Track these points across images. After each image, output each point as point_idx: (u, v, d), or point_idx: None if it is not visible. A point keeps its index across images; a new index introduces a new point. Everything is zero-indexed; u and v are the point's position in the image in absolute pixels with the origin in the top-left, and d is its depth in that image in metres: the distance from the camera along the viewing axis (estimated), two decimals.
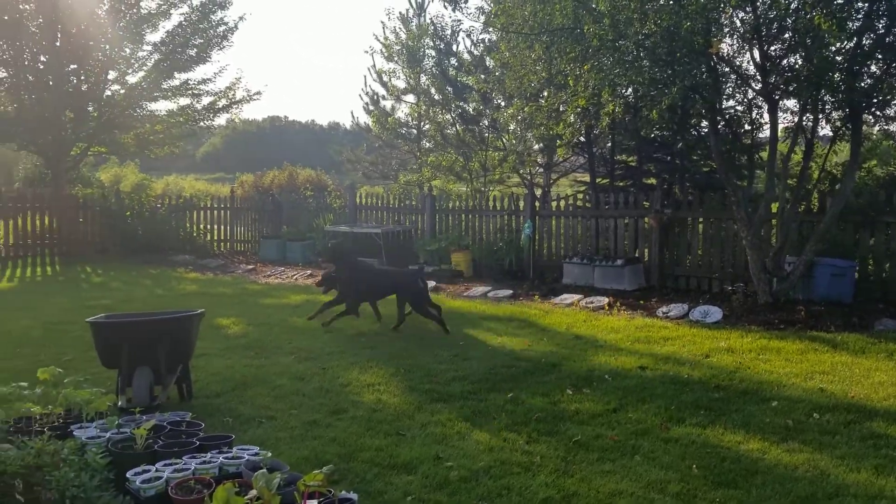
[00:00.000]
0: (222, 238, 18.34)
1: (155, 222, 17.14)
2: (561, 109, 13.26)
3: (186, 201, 18.37)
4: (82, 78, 18.05)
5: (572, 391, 6.32)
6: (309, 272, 14.23)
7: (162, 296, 11.51)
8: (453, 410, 5.77)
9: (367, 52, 29.47)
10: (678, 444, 5.04)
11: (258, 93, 20.08)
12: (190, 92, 19.16)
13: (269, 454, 3.88)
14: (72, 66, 17.75)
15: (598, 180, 16.23)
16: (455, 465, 4.66)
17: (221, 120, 20.66)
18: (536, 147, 18.05)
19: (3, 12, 16.37)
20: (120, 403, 5.40)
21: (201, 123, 19.89)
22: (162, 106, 19.81)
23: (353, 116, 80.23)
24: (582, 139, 15.65)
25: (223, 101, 19.55)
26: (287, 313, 9.92)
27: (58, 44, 17.33)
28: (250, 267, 15.48)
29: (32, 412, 4.30)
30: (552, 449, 4.98)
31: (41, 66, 17.40)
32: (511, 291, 11.66)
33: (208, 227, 18.32)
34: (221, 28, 18.86)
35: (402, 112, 23.18)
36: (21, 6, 16.88)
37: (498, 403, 5.96)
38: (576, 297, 11.01)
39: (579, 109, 11.85)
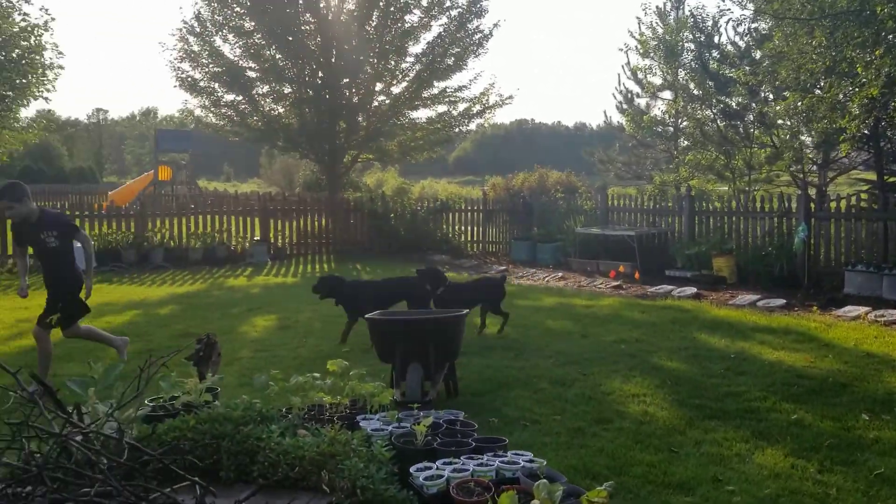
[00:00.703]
0: (475, 239, 18.91)
1: (415, 223, 18.08)
2: (843, 100, 11.93)
3: (442, 204, 19.18)
4: (353, 90, 19.60)
5: (869, 416, 5.58)
6: (560, 274, 14.17)
7: None
8: (729, 429, 5.35)
9: (621, 49, 28.80)
10: None
11: (510, 97, 20.47)
12: (447, 99, 20.03)
13: (545, 462, 3.81)
14: (345, 80, 19.33)
15: (885, 178, 14.41)
16: (737, 489, 4.28)
17: (473, 125, 21.35)
18: (809, 141, 16.48)
19: (289, 33, 18.24)
20: (395, 397, 5.68)
21: (457, 129, 20.73)
22: (422, 114, 20.84)
23: (605, 116, 79.28)
24: (866, 132, 13.98)
25: (477, 107, 20.19)
26: (542, 315, 9.91)
27: (333, 60, 18.97)
28: (502, 268, 15.77)
29: (324, 401, 4.62)
30: (850, 481, 4.41)
31: (319, 81, 19.15)
32: (784, 301, 10.69)
33: (462, 228, 18.98)
34: (477, 36, 19.49)
35: (658, 109, 22.40)
36: (303, 27, 18.71)
37: (780, 425, 5.42)
38: (862, 309, 9.82)
39: (867, 100, 10.58)
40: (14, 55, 13.46)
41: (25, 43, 13.71)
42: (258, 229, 17.57)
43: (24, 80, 13.43)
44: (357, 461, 3.65)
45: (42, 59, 13.99)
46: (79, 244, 6.66)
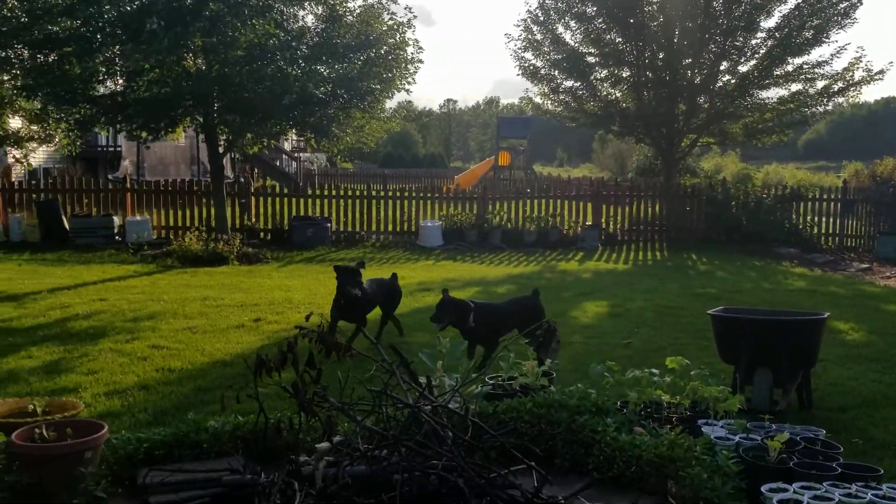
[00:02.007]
0: (829, 232, 16.93)
1: (758, 213, 16.70)
2: None
3: (792, 192, 17.45)
4: (695, 71, 18.62)
5: None
6: None
7: (769, 290, 11.06)
8: None
9: None
10: None
11: (880, 72, 17.85)
12: (803, 77, 18.10)
13: None
14: (686, 61, 18.44)
15: None
16: None
17: (831, 105, 19.00)
18: None
19: (630, 15, 17.88)
20: (740, 405, 5.21)
21: (812, 109, 18.65)
22: (772, 93, 19.07)
23: None
24: None
25: (839, 84, 17.94)
26: None
27: (675, 40, 18.19)
28: (864, 266, 13.88)
29: (661, 399, 4.38)
30: None
31: (659, 63, 18.51)
32: None
33: (814, 219, 17.11)
34: (843, 5, 17.27)
35: None
36: (646, 8, 18.20)
37: None
38: None
39: None
40: (382, 51, 14.97)
41: (392, 40, 15.17)
42: (590, 214, 17.60)
43: (389, 75, 14.90)
44: (700, 470, 3.37)
45: (405, 55, 15.35)
46: None
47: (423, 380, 3.65)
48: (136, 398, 5.57)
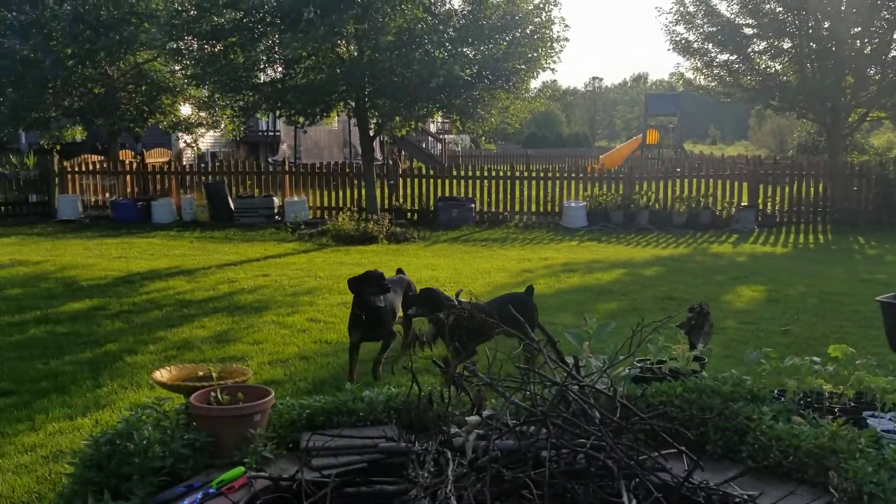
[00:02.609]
0: None
1: None
2: None
3: None
4: (865, 41, 17.24)
5: None
6: None
7: None
8: None
9: None
10: None
11: None
12: None
13: None
14: (855, 30, 17.11)
15: None
16: None
17: None
18: None
19: None
20: None
21: None
22: None
23: None
24: None
25: None
26: None
27: (842, 7, 16.89)
28: None
29: (823, 389, 4.15)
30: None
31: (825, 33, 17.29)
32: None
33: None
34: None
35: None
36: None
37: None
38: None
39: None
40: (528, 31, 14.89)
41: (537, 19, 15.06)
42: (745, 195, 16.75)
43: (535, 54, 14.81)
44: (865, 464, 3.19)
45: (550, 34, 15.19)
46: None
47: (569, 360, 3.67)
48: (296, 367, 5.94)
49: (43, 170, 17.44)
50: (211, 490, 3.19)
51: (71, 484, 3.40)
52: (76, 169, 17.75)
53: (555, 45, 15.19)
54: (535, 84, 19.23)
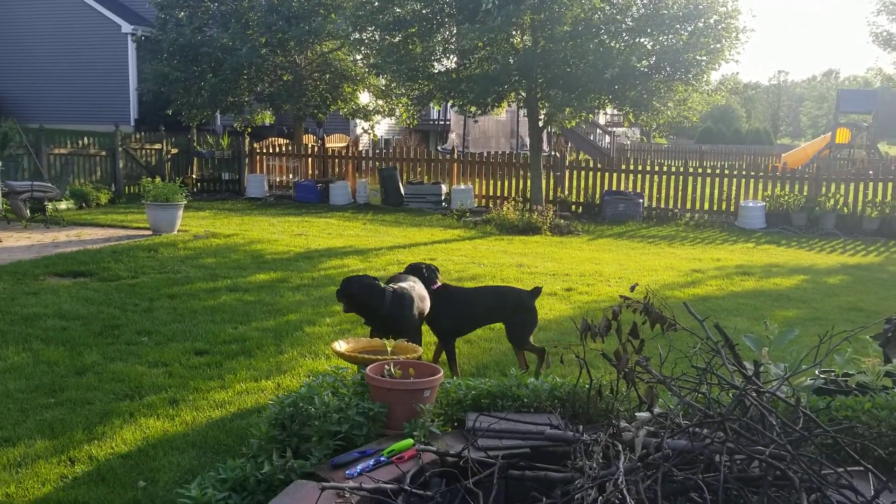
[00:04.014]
0: None
1: None
2: None
3: None
4: None
5: None
6: None
7: None
8: None
9: None
10: None
11: None
12: None
13: None
14: None
15: None
16: None
17: None
18: None
19: None
20: None
21: None
22: None
23: None
24: None
25: None
26: None
27: None
28: None
29: None
30: None
31: None
32: None
33: None
34: None
35: None
36: None
37: None
38: None
39: None
40: (711, 21, 14.26)
41: (723, 8, 14.38)
42: None
43: (718, 45, 14.15)
44: None
45: (736, 23, 14.47)
46: None
47: (747, 364, 3.51)
48: (460, 350, 6.08)
49: (235, 150, 18.86)
50: (382, 458, 3.36)
51: (257, 439, 3.71)
52: (264, 151, 19.05)
53: (740, 35, 14.46)
54: (715, 76, 18.39)
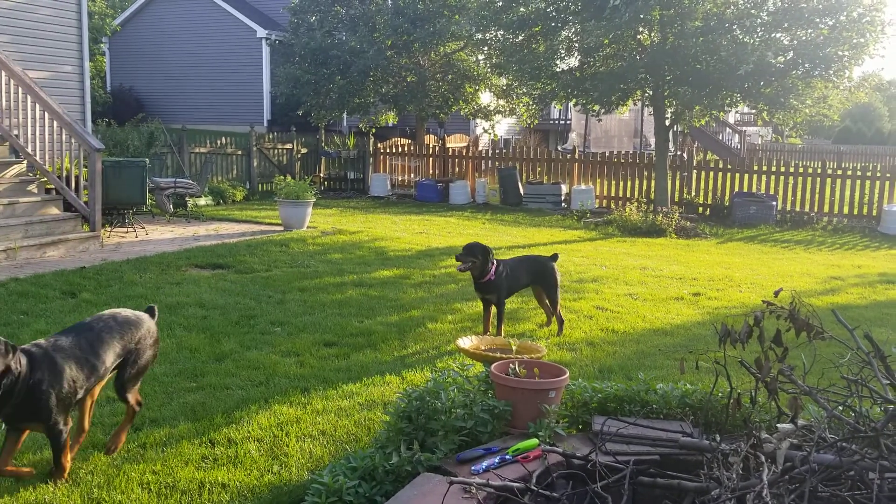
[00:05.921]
0: None
1: None
2: None
3: None
4: None
5: None
6: None
7: None
8: None
9: None
10: None
11: None
12: None
13: None
14: None
15: None
16: None
17: None
18: None
19: None
20: None
21: None
22: None
23: None
24: None
25: None
26: None
27: None
28: None
29: None
30: None
31: None
32: None
33: None
34: None
35: None
36: None
37: None
38: None
39: None
40: (855, 14, 13.42)
41: (868, 1, 13.51)
42: None
43: (862, 40, 13.29)
44: None
45: (881, 16, 13.56)
46: None
47: None
48: (583, 352, 6.01)
49: (360, 150, 19.39)
50: (507, 456, 3.36)
51: (385, 430, 3.79)
52: (387, 151, 19.48)
53: (886, 29, 13.54)
54: (856, 73, 17.23)
